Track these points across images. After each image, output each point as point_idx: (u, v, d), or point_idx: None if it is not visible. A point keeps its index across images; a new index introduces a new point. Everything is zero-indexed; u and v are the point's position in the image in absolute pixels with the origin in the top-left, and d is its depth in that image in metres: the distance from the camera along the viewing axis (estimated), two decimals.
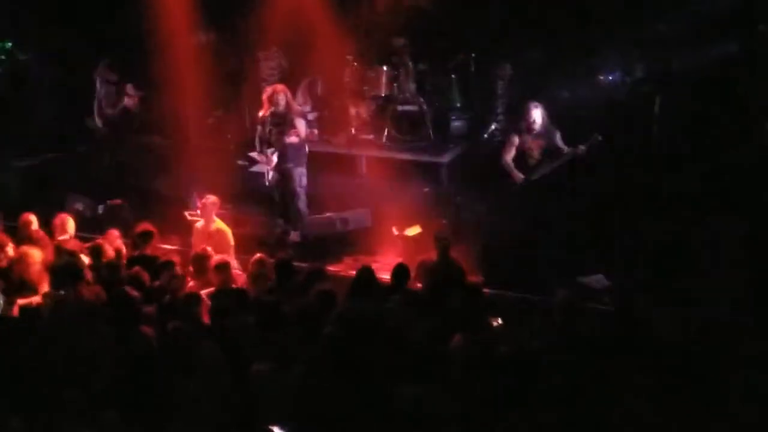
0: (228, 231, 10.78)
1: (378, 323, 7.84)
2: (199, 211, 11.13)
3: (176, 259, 9.57)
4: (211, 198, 11.02)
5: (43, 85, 16.86)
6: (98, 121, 13.25)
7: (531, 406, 6.67)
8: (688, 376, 7.11)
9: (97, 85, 13.43)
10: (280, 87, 12.37)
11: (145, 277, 9.05)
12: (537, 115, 11.42)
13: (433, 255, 9.92)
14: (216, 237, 10.70)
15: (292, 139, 11.89)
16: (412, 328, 7.82)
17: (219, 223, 10.94)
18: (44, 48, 16.48)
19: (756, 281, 9.63)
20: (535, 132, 11.46)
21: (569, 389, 6.86)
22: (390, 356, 7.25)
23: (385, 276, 9.47)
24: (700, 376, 7.12)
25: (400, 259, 9.89)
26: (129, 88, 12.99)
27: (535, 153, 11.50)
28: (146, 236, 10.06)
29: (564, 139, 11.47)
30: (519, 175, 11.52)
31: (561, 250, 11.33)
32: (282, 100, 11.94)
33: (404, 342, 7.51)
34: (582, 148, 11.22)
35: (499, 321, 8.29)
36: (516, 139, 11.61)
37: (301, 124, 12.11)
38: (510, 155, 11.61)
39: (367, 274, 8.92)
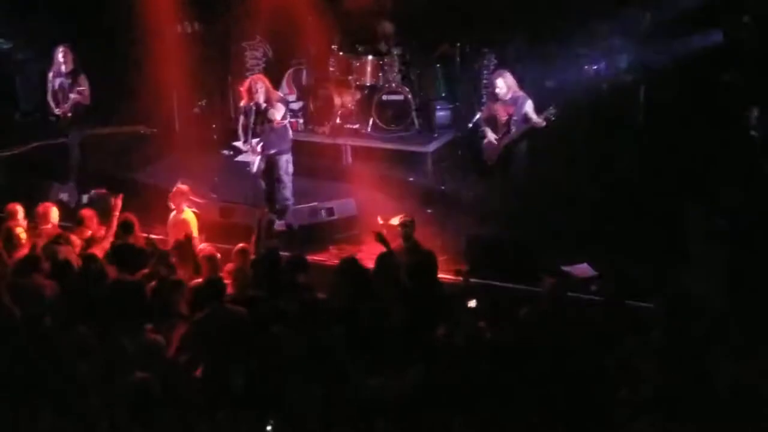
0: (191, 220, 10.74)
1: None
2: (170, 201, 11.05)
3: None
4: (182, 187, 11.01)
5: (27, 74, 16.80)
6: (58, 112, 13.11)
7: (514, 393, 6.71)
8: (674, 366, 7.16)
9: (50, 77, 13.22)
10: (257, 77, 12.41)
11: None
12: (500, 82, 11.66)
13: (399, 243, 9.95)
14: (179, 226, 10.66)
15: (271, 116, 11.85)
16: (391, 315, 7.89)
17: (186, 213, 10.88)
18: (28, 37, 16.40)
19: (736, 269, 9.67)
20: (499, 99, 11.66)
21: (554, 377, 6.89)
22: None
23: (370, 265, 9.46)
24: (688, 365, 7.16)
25: (384, 249, 9.89)
26: (80, 88, 12.77)
27: (502, 119, 11.70)
28: (127, 227, 10.03)
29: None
30: (491, 135, 11.81)
31: (546, 238, 11.39)
32: (261, 90, 11.93)
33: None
34: (538, 120, 11.36)
35: (474, 302, 8.32)
36: (488, 105, 12.07)
37: (280, 109, 12.09)
38: (483, 119, 12.10)
39: (351, 264, 8.95)
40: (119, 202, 10.29)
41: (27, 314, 8.00)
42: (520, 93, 11.61)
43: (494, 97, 11.82)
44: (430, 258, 9.50)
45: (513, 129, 11.53)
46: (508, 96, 11.58)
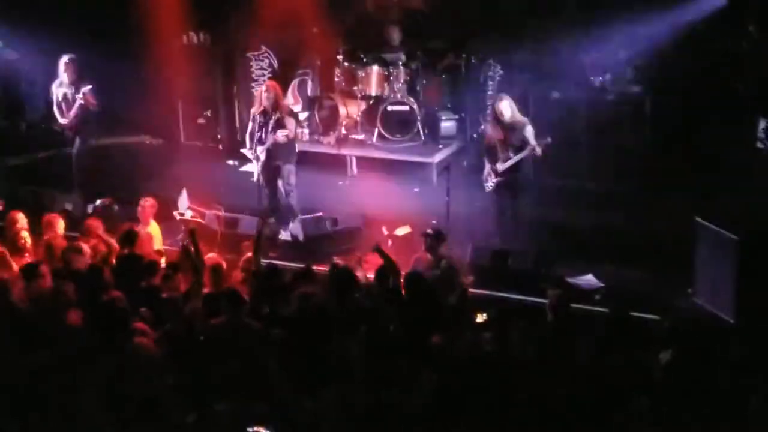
0: (155, 234, 10.73)
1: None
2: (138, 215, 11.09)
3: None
4: (149, 201, 11.07)
5: (33, 85, 16.83)
6: (64, 122, 13.17)
7: (521, 405, 6.69)
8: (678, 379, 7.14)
9: (53, 87, 13.29)
10: (270, 83, 12.43)
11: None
12: (502, 106, 11.43)
13: (426, 253, 9.94)
14: (144, 239, 10.62)
15: (280, 138, 11.86)
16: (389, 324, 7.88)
17: (152, 226, 10.92)
18: (34, 48, 16.44)
19: (743, 281, 9.64)
20: (501, 123, 11.46)
21: (557, 387, 6.87)
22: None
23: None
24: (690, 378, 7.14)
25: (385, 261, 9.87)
26: (85, 88, 12.83)
27: (501, 143, 11.46)
28: (130, 236, 10.03)
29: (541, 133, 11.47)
30: (488, 167, 11.59)
31: (551, 249, 11.37)
32: (270, 96, 11.94)
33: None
34: (537, 148, 11.22)
35: (484, 316, 8.31)
36: (489, 131, 11.78)
37: (291, 123, 12.11)
38: (484, 146, 11.87)
39: (345, 273, 8.92)
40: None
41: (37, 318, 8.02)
42: (521, 118, 11.48)
43: (496, 121, 11.59)
44: (449, 272, 9.48)
45: (511, 154, 11.40)
46: (509, 121, 11.45)
